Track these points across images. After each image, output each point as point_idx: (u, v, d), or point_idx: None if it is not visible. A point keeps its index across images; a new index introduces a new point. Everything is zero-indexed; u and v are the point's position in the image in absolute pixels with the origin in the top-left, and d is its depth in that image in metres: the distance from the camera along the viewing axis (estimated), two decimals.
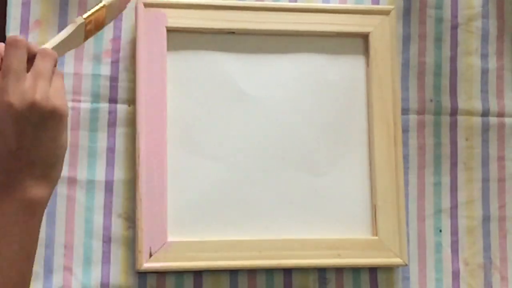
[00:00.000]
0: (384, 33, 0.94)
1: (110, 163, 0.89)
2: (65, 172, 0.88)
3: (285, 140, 0.92)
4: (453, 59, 0.98)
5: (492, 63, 0.99)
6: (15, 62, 0.65)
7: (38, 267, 0.86)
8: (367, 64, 0.94)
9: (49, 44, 0.70)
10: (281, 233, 0.90)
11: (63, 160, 0.68)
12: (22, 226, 0.66)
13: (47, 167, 0.67)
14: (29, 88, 0.65)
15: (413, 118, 0.96)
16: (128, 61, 0.91)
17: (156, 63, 0.89)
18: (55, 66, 0.68)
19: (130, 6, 0.91)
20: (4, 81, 0.64)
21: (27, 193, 0.66)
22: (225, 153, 0.90)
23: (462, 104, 0.97)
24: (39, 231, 0.67)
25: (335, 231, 0.91)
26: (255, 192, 0.90)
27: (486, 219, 0.96)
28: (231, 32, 0.92)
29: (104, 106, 0.90)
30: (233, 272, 0.90)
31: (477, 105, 0.98)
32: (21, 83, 0.65)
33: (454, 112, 0.97)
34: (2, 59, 0.66)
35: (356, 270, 0.92)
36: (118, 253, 0.88)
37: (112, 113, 0.90)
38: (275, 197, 0.90)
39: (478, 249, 0.95)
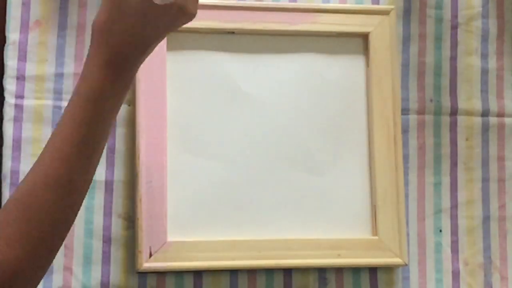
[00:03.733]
0: (384, 33, 0.94)
1: (110, 163, 0.89)
2: None
3: (285, 140, 0.92)
4: (453, 59, 0.98)
5: (492, 63, 0.99)
6: None
7: None
8: (367, 64, 0.94)
9: None
10: (281, 233, 0.90)
11: None
12: (121, 105, 0.74)
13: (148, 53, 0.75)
14: None
15: (413, 118, 0.96)
16: None
17: (156, 63, 0.89)
18: None
19: None
20: None
21: (133, 74, 0.73)
22: (225, 153, 0.90)
23: (462, 104, 0.97)
24: None
25: (335, 231, 0.91)
26: (255, 192, 0.90)
27: (486, 219, 0.96)
28: (231, 32, 0.92)
29: None
30: (233, 272, 0.90)
31: (477, 105, 0.98)
32: None
33: (454, 112, 0.97)
34: None
35: (356, 270, 0.92)
36: (118, 253, 0.88)
37: None
38: (275, 197, 0.90)
39: (478, 249, 0.95)
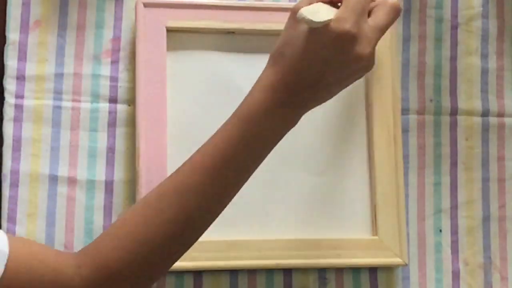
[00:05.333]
0: None
1: (110, 163, 0.89)
2: (65, 172, 0.88)
3: (285, 140, 0.91)
4: (453, 59, 0.98)
5: (492, 63, 0.99)
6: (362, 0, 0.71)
7: None
8: None
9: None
10: (281, 233, 0.90)
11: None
12: (275, 142, 0.75)
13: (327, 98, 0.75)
14: (370, 32, 0.71)
15: (413, 118, 0.96)
16: (128, 61, 0.91)
17: (156, 63, 0.89)
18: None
19: (130, 6, 0.92)
20: (347, 12, 0.70)
21: (303, 111, 0.74)
22: None
23: (462, 104, 0.97)
24: None
25: (335, 231, 0.91)
26: (255, 192, 0.90)
27: (486, 219, 0.96)
28: (231, 32, 0.92)
29: (104, 106, 0.90)
30: (233, 272, 0.90)
31: (477, 105, 0.98)
32: (363, 21, 0.71)
33: (454, 112, 0.97)
34: None
35: (356, 270, 0.92)
36: None
37: (112, 113, 0.90)
38: (275, 197, 0.90)
39: (478, 249, 0.95)
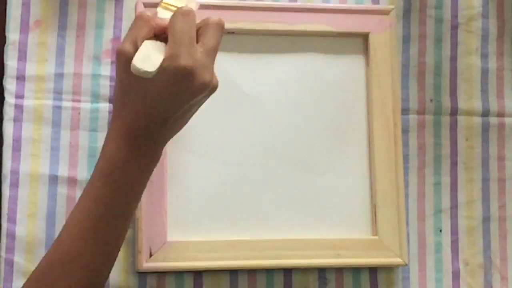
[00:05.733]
0: (384, 33, 0.94)
1: None
2: (65, 172, 0.88)
3: (285, 140, 0.92)
4: (453, 59, 0.98)
5: (492, 63, 0.99)
6: (187, 29, 0.70)
7: None
8: (367, 64, 0.94)
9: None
10: (281, 233, 0.90)
11: None
12: (145, 182, 0.73)
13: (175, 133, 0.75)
14: (204, 58, 0.71)
15: (413, 118, 0.96)
16: None
17: None
18: None
19: (130, 6, 0.92)
20: (177, 47, 0.69)
21: (156, 149, 0.73)
22: (225, 153, 0.90)
23: (462, 104, 0.97)
24: None
25: (335, 231, 0.91)
26: (255, 192, 0.90)
27: (486, 219, 0.96)
28: (231, 32, 0.92)
29: (104, 106, 0.90)
30: (233, 272, 0.90)
31: (477, 105, 0.98)
32: (194, 50, 0.70)
33: (454, 112, 0.97)
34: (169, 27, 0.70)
35: (356, 270, 0.92)
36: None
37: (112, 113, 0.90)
38: (275, 197, 0.90)
39: (478, 249, 0.95)
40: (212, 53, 0.72)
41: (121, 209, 0.72)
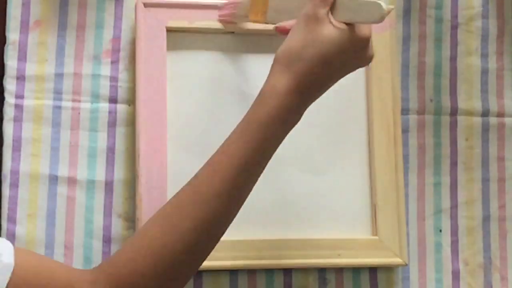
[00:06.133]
0: (384, 33, 0.94)
1: (110, 163, 0.89)
2: (65, 172, 0.88)
3: (285, 140, 0.91)
4: (453, 59, 0.98)
5: (492, 63, 0.99)
6: None
7: None
8: None
9: None
10: (281, 233, 0.90)
11: None
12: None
13: None
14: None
15: (413, 118, 0.96)
16: (128, 61, 0.91)
17: (156, 63, 0.89)
18: None
19: (130, 6, 0.92)
20: None
21: (308, 106, 0.75)
22: None
23: (462, 104, 0.97)
24: None
25: (335, 231, 0.91)
26: (255, 192, 0.90)
27: (486, 219, 0.96)
28: (231, 32, 0.92)
29: (104, 106, 0.90)
30: (233, 272, 0.90)
31: (477, 105, 0.98)
32: None
33: (454, 112, 0.97)
34: None
35: (356, 270, 0.92)
36: None
37: (112, 113, 0.90)
38: (275, 197, 0.90)
39: (478, 249, 0.95)
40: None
41: (262, 161, 0.73)
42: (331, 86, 0.75)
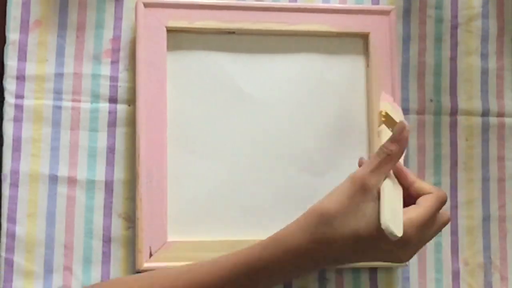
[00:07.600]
0: (384, 33, 0.94)
1: (110, 163, 0.89)
2: (65, 172, 0.88)
3: (285, 140, 0.92)
4: (453, 59, 0.98)
5: (492, 63, 0.99)
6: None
7: (38, 267, 0.86)
8: (367, 64, 0.94)
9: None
10: None
11: None
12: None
13: None
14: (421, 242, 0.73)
15: (413, 118, 0.96)
16: (128, 61, 0.91)
17: (156, 63, 0.89)
18: None
19: (130, 6, 0.92)
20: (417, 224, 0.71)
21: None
22: (225, 153, 0.90)
23: (462, 104, 0.97)
24: None
25: None
26: (255, 192, 0.90)
27: (486, 219, 0.96)
28: (231, 32, 0.92)
29: (104, 106, 0.90)
30: None
31: (477, 105, 0.98)
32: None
33: (454, 112, 0.97)
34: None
35: (356, 270, 0.92)
36: (118, 253, 0.88)
37: (112, 113, 0.90)
38: (275, 197, 0.90)
39: (478, 249, 0.95)
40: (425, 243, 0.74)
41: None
42: (345, 264, 0.75)
